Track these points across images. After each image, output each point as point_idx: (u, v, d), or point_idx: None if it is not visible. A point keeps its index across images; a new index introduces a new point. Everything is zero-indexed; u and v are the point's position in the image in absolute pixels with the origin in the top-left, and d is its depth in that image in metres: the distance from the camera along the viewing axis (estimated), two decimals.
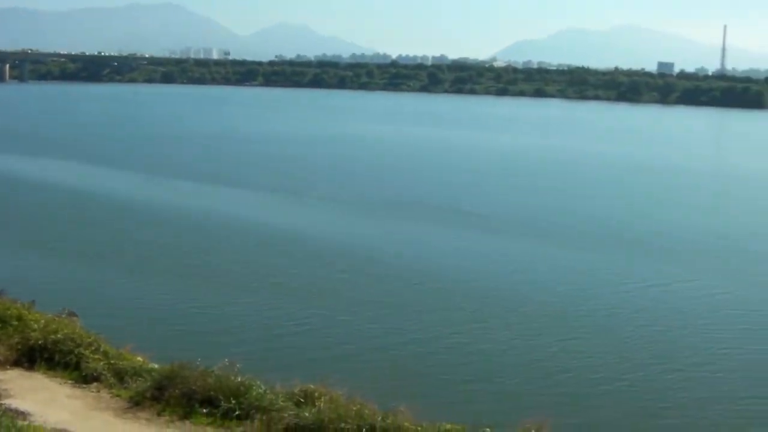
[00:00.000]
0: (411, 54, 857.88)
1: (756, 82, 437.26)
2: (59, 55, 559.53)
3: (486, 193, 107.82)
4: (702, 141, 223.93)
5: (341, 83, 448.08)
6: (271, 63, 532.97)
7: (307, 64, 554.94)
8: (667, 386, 42.46)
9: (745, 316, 55.02)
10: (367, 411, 25.53)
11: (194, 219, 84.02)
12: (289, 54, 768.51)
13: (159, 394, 26.34)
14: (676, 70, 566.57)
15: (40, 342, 28.84)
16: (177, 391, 26.11)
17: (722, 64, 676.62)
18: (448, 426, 25.43)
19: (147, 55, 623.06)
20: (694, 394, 41.77)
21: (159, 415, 25.55)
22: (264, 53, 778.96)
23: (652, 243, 78.22)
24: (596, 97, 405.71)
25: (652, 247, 76.64)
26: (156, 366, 28.86)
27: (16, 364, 28.60)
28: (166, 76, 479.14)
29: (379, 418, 24.84)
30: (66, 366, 28.38)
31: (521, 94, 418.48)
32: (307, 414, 24.83)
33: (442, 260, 68.66)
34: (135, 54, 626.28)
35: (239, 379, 26.58)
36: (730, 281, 63.98)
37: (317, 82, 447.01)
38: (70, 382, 27.66)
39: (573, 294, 59.04)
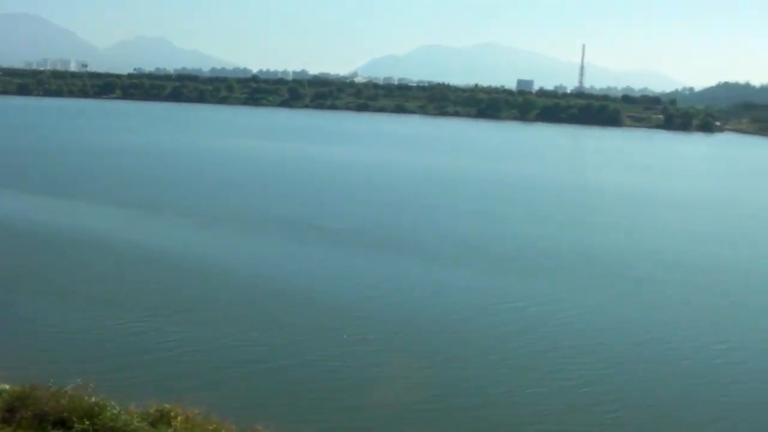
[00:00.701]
0: (272, 69, 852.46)
1: (613, 100, 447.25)
2: None
3: (340, 208, 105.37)
4: (560, 157, 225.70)
5: (201, 97, 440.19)
6: (129, 76, 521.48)
7: (167, 77, 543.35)
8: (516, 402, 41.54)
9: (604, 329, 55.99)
10: (223, 430, 27.19)
11: (43, 235, 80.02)
12: (149, 67, 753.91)
13: (10, 417, 25.81)
14: (536, 87, 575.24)
15: None
16: (29, 412, 25.75)
17: (581, 82, 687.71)
18: None
19: (3, 66, 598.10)
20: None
21: None
22: (123, 66, 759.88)
23: (515, 257, 79.07)
24: (456, 114, 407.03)
25: (515, 261, 77.52)
26: (7, 387, 28.36)
27: None
28: (22, 88, 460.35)
29: None
30: None
31: (382, 109, 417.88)
32: None
33: (297, 276, 67.79)
34: None
35: (93, 400, 26.41)
36: (586, 296, 65.04)
37: (176, 96, 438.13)
38: None
39: (430, 307, 59.50)
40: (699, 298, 67.05)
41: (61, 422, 25.43)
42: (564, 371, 47.51)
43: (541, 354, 50.62)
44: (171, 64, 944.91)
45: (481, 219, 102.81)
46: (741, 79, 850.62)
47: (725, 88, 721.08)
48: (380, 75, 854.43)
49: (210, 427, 26.92)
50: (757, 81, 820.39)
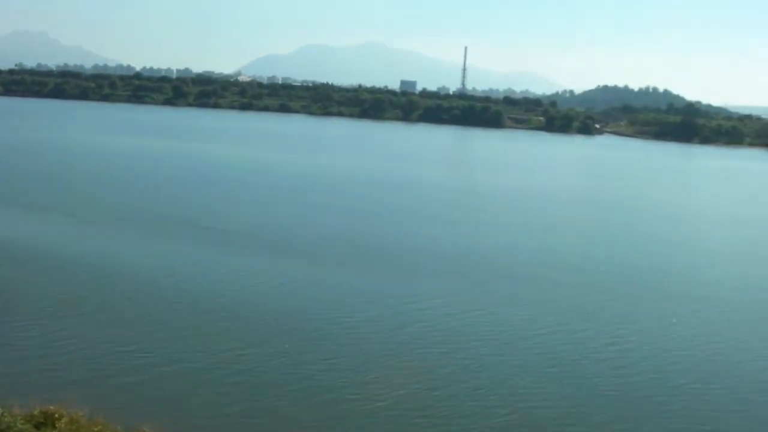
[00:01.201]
0: (156, 66, 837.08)
1: (495, 101, 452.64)
2: None
3: (225, 208, 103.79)
4: (442, 157, 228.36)
5: (83, 94, 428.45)
6: (11, 71, 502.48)
7: (48, 73, 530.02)
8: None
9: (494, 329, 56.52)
10: (109, 431, 27.16)
11: None
12: (30, 63, 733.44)
13: None
14: (419, 88, 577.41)
15: None
16: None
17: (463, 83, 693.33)
18: None
19: None
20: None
21: None
22: (3, 61, 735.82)
23: (400, 257, 79.21)
24: (340, 114, 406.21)
25: (401, 261, 77.69)
26: None
27: None
28: None
29: None
30: None
31: (266, 109, 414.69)
32: None
33: (186, 277, 66.74)
34: None
35: None
36: (472, 296, 65.34)
37: (59, 93, 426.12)
38: None
39: (321, 309, 59.00)
40: (569, 294, 68.81)
41: None
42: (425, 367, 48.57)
43: (420, 351, 51.39)
44: (54, 60, 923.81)
45: (368, 219, 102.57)
46: (620, 83, 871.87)
47: (604, 91, 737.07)
48: (264, 74, 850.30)
49: (95, 429, 26.86)
50: (635, 84, 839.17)
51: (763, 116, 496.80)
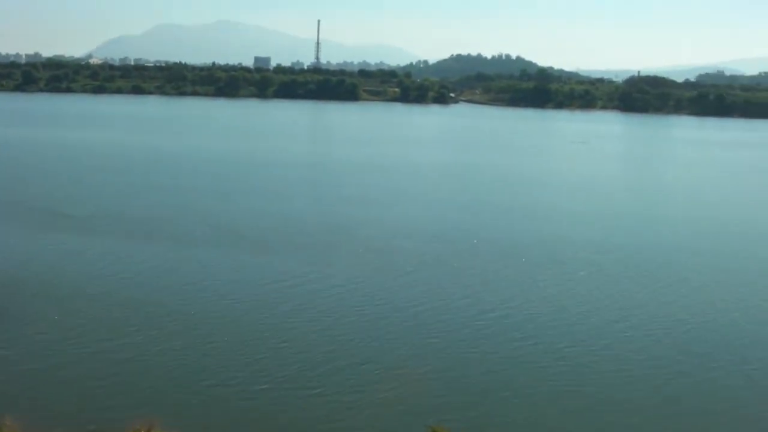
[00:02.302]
0: (3, 52, 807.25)
1: (350, 74, 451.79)
2: None
3: (81, 194, 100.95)
4: (297, 134, 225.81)
5: None
6: None
7: None
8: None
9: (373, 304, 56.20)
10: None
11: None
12: None
13: None
14: (273, 64, 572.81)
15: None
16: None
17: (317, 57, 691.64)
18: None
19: None
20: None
21: None
22: None
23: (273, 235, 79.41)
24: (195, 93, 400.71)
25: (277, 238, 78.00)
26: None
27: None
28: None
29: None
30: None
31: (119, 91, 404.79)
32: None
33: (53, 265, 65.42)
34: None
35: None
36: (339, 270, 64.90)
37: None
38: None
39: (182, 288, 59.20)
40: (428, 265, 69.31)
41: None
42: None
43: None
44: None
45: (228, 198, 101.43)
46: (473, 51, 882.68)
47: (458, 60, 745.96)
48: (116, 56, 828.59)
49: None
50: (488, 52, 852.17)
51: (614, 79, 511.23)
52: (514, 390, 43.20)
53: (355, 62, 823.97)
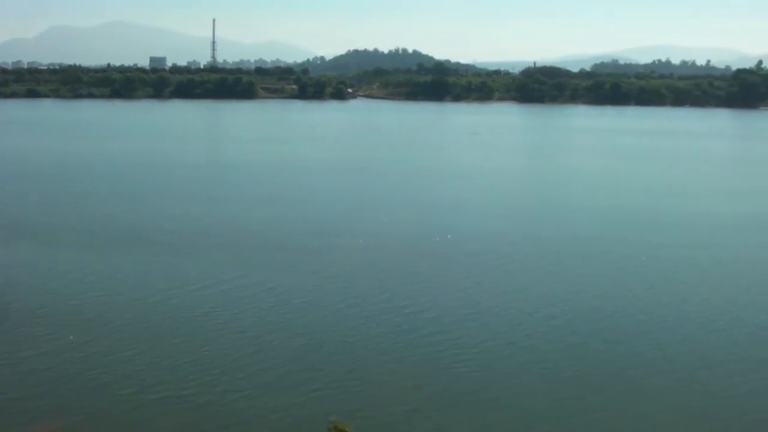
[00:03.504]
0: None
1: (247, 73, 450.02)
2: None
3: None
4: (196, 133, 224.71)
5: None
6: None
7: None
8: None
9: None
10: None
11: None
12: None
13: None
14: (169, 64, 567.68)
15: None
16: None
17: (213, 56, 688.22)
18: None
19: None
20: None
21: None
22: None
23: (171, 239, 78.22)
24: (90, 95, 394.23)
25: (170, 242, 76.61)
26: None
27: None
28: None
29: None
30: None
31: (13, 95, 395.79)
32: None
33: None
34: None
35: None
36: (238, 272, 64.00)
37: None
38: None
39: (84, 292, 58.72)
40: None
41: None
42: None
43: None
44: None
45: (129, 201, 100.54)
46: (370, 46, 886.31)
47: (355, 55, 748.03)
48: (8, 60, 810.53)
49: None
50: (385, 47, 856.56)
51: (511, 71, 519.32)
52: (422, 386, 43.57)
53: (252, 60, 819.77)
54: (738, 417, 41.00)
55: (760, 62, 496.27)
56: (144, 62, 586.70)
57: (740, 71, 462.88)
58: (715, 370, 46.48)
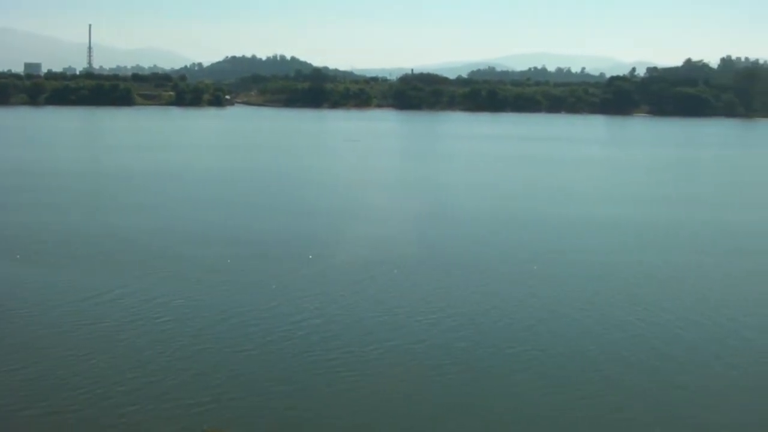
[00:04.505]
0: None
1: (123, 79, 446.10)
2: None
3: None
4: (70, 140, 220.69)
5: None
6: None
7: None
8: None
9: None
10: None
11: None
12: None
13: None
14: (44, 70, 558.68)
15: None
16: None
17: (90, 62, 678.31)
18: None
19: None
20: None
21: None
22: None
23: (48, 250, 75.81)
24: None
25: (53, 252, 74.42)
26: None
27: None
28: None
29: None
30: None
31: None
32: None
33: None
34: None
35: None
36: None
37: None
38: None
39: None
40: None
41: None
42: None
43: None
44: None
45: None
46: (248, 53, 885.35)
47: (233, 62, 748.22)
48: None
49: None
50: (263, 54, 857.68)
51: (388, 77, 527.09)
52: (300, 393, 44.25)
53: (129, 66, 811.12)
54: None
55: (634, 69, 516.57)
56: (18, 68, 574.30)
57: (614, 78, 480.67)
58: (589, 370, 48.17)
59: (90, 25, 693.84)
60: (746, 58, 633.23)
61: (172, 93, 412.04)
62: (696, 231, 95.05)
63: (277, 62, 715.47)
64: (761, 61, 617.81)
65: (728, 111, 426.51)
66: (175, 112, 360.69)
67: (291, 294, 62.07)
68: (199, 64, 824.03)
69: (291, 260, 73.69)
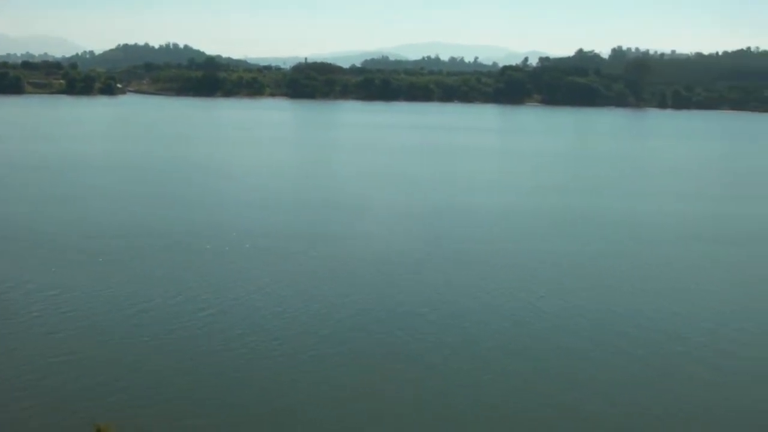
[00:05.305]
0: None
1: (13, 67, 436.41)
2: None
3: None
4: None
5: None
6: None
7: None
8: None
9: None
10: None
11: None
12: None
13: None
14: None
15: None
16: None
17: None
18: None
19: None
20: None
21: None
22: None
23: None
24: None
25: None
26: None
27: None
28: None
29: None
30: None
31: None
32: None
33: None
34: None
35: None
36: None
37: None
38: None
39: None
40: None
41: None
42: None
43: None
44: None
45: None
46: (140, 41, 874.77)
47: (125, 50, 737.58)
48: None
49: None
50: (156, 42, 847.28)
51: (282, 66, 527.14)
52: (194, 388, 44.94)
53: (19, 54, 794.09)
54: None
55: (526, 59, 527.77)
56: None
57: (506, 68, 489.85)
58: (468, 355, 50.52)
59: None
60: (637, 49, 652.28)
61: (62, 81, 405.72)
62: (589, 219, 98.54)
63: (171, 51, 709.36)
64: (651, 52, 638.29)
65: (619, 101, 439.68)
66: (66, 100, 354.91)
67: (201, 286, 62.84)
68: (91, 52, 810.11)
69: (186, 253, 73.97)
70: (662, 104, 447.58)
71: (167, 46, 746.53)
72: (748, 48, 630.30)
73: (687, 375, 48.79)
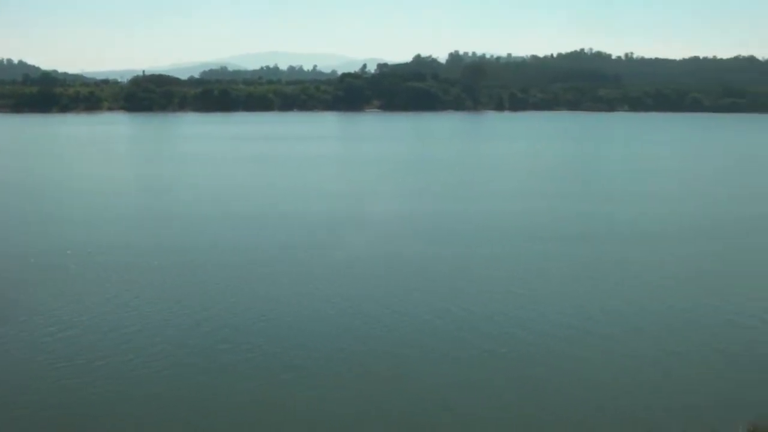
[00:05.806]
0: None
1: None
2: None
3: None
4: None
5: None
6: None
7: None
8: None
9: None
10: None
11: None
12: None
13: None
14: None
15: None
16: None
17: None
18: None
19: None
20: None
21: None
22: None
23: None
24: None
25: None
26: None
27: None
28: None
29: None
30: None
31: None
32: None
33: None
34: None
35: None
36: None
37: None
38: None
39: None
40: None
41: None
42: None
43: None
44: None
45: None
46: None
47: None
48: None
49: None
50: None
51: (119, 80, 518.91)
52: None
53: None
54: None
55: (365, 66, 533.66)
56: None
57: (345, 75, 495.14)
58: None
59: None
60: (473, 53, 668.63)
61: None
62: (435, 223, 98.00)
63: (4, 66, 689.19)
64: (488, 56, 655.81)
65: (457, 104, 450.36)
66: None
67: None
68: None
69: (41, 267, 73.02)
70: (499, 107, 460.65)
71: (1, 61, 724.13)
72: (582, 49, 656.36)
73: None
